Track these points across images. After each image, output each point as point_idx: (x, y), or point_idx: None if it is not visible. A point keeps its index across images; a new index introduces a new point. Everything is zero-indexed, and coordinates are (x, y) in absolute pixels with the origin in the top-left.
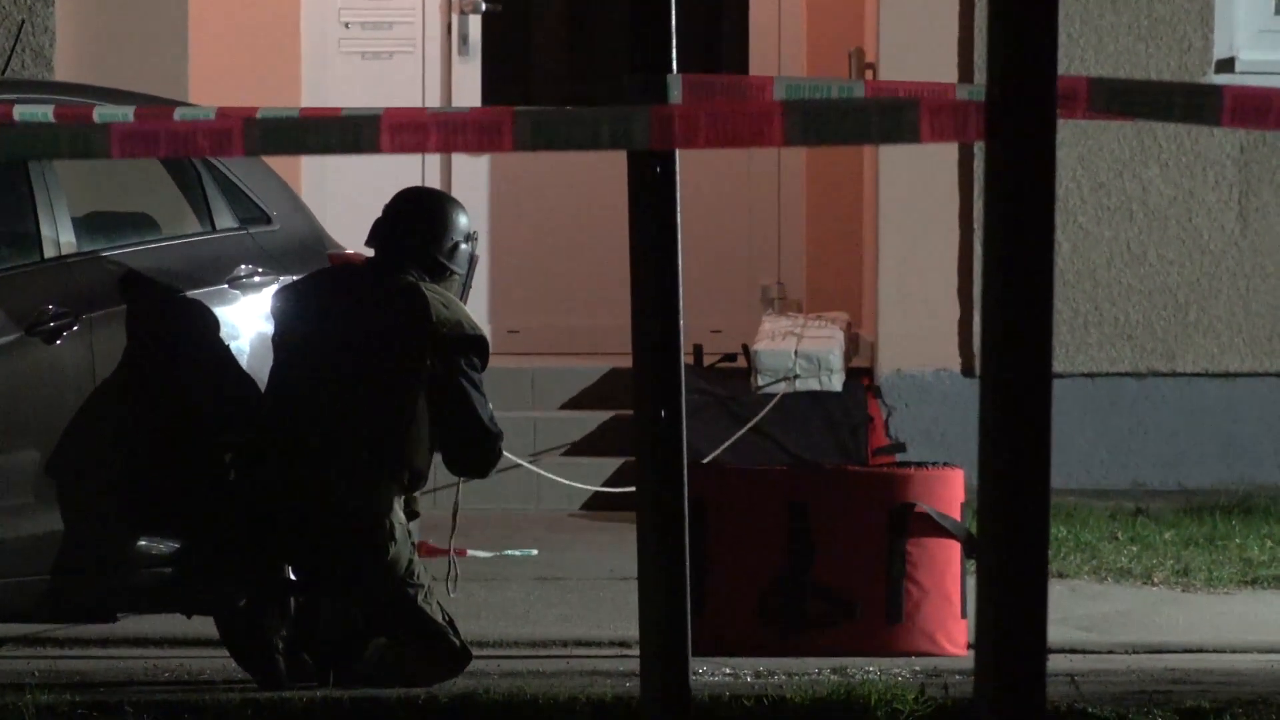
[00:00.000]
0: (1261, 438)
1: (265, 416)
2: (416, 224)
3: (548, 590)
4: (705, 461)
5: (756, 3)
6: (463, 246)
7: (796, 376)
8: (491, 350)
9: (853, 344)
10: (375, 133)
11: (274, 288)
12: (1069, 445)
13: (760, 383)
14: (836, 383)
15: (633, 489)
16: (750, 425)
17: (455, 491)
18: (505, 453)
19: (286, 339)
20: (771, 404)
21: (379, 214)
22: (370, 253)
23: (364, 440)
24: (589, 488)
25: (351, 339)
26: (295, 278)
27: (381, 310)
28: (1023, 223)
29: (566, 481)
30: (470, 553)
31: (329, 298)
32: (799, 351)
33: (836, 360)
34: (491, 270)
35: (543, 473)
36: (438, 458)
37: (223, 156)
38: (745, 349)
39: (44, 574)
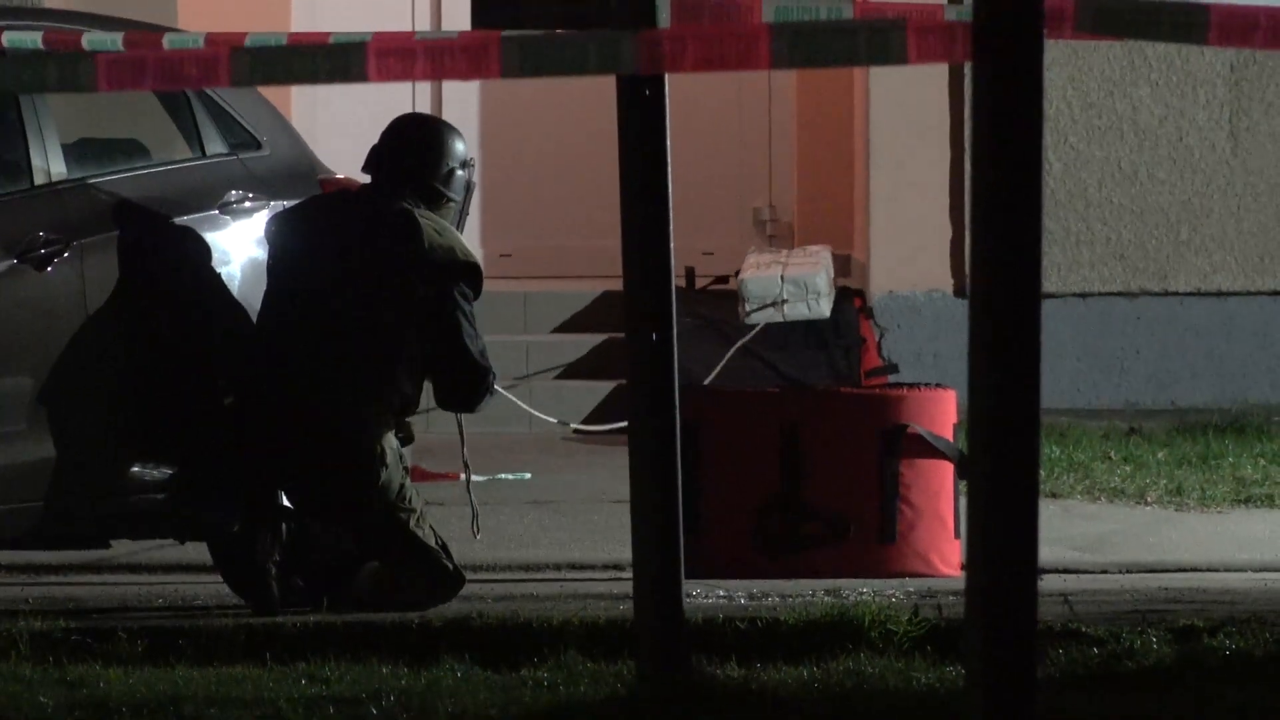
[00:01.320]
0: (1254, 356)
1: (257, 342)
2: (412, 150)
3: (541, 514)
4: (698, 384)
5: None
6: (459, 173)
7: (784, 302)
8: (484, 275)
9: (842, 267)
10: (363, 60)
11: (265, 213)
12: (1061, 365)
13: (748, 309)
14: (825, 307)
15: (622, 424)
16: (740, 344)
17: (459, 432)
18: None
19: (280, 264)
20: (760, 326)
21: (369, 139)
22: (364, 179)
23: (355, 365)
24: (574, 426)
25: (344, 264)
26: (286, 203)
27: (375, 236)
28: (1011, 143)
29: (544, 417)
30: (463, 476)
31: (323, 223)
32: (785, 277)
33: (824, 284)
34: (484, 194)
35: (533, 412)
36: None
37: (211, 87)
38: (738, 273)
39: (38, 501)
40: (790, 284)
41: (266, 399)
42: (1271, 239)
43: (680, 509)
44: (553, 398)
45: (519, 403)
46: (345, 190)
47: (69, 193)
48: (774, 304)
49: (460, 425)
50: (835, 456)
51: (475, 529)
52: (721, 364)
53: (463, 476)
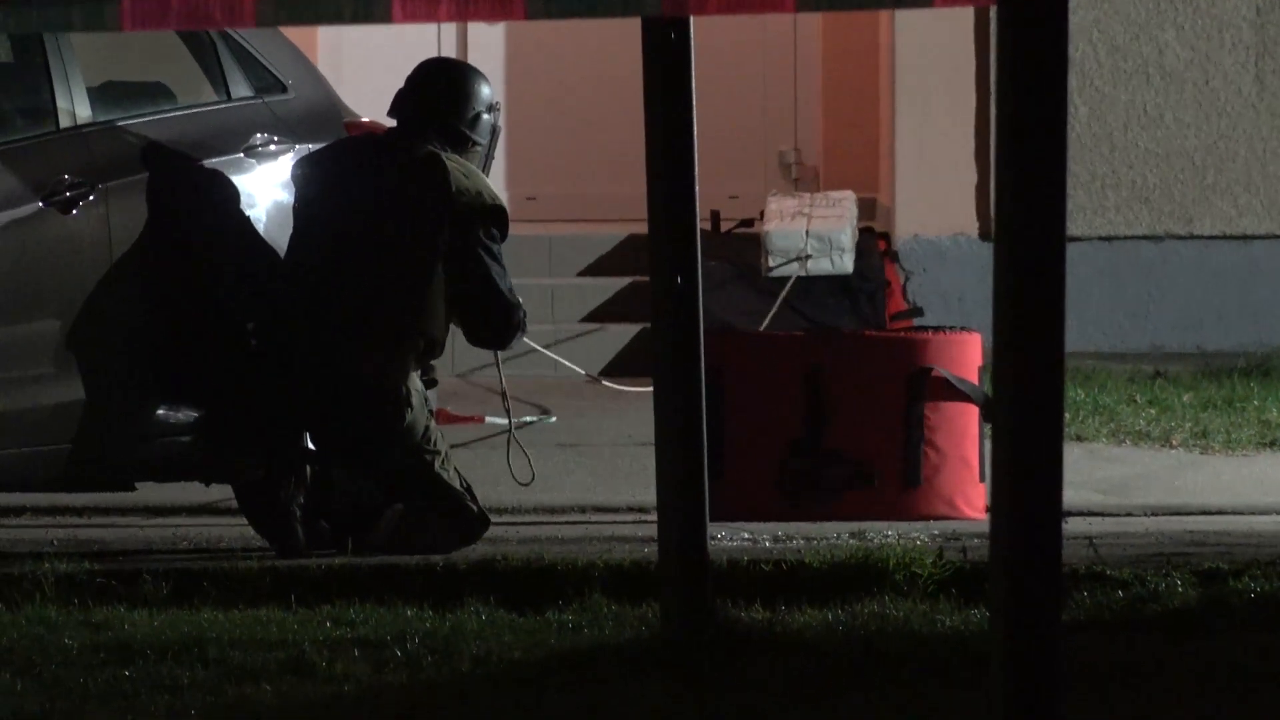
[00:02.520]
0: (1279, 300)
1: (284, 284)
2: (438, 94)
3: (566, 456)
4: (722, 328)
5: None
6: (485, 117)
7: (808, 257)
8: (509, 219)
9: (867, 211)
10: (387, 1)
11: (290, 156)
12: (1086, 308)
13: (772, 264)
14: (848, 263)
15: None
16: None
17: (499, 374)
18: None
19: (307, 207)
20: (792, 281)
21: (394, 83)
22: (390, 123)
23: (380, 308)
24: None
25: (371, 207)
26: (311, 146)
27: (402, 179)
28: (1036, 87)
29: (571, 366)
30: (488, 420)
31: (350, 166)
32: (810, 232)
33: (848, 240)
34: (509, 138)
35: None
36: (457, 329)
37: (236, 27)
38: (763, 215)
39: (64, 443)
40: (815, 239)
41: (292, 342)
42: None
43: (705, 452)
44: (577, 342)
45: (545, 352)
46: (372, 134)
47: (94, 136)
48: (798, 259)
49: (499, 369)
50: (860, 400)
51: (530, 473)
52: (769, 317)
53: (500, 420)
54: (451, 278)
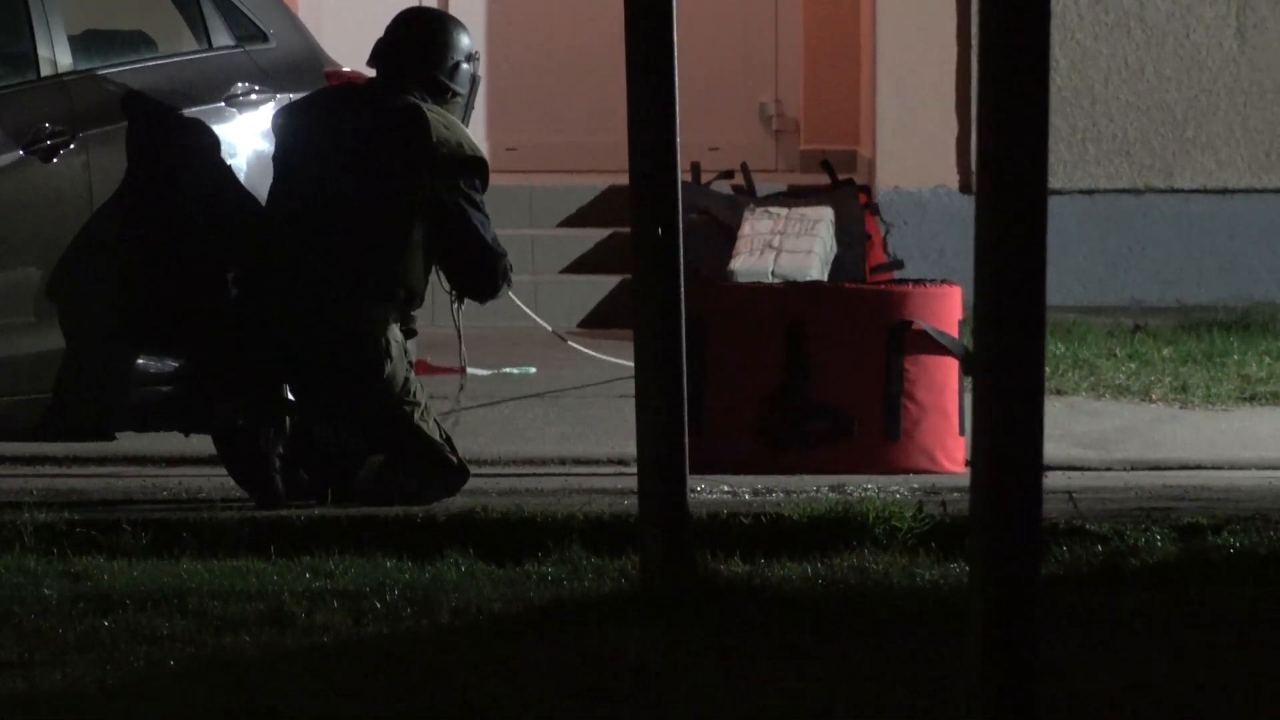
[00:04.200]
0: (1259, 254)
1: (264, 233)
2: (417, 44)
3: (546, 408)
4: (702, 279)
5: None
6: (464, 66)
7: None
8: (490, 169)
9: (848, 162)
10: None
11: (271, 106)
12: (1067, 262)
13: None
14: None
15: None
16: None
17: (455, 315)
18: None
19: (286, 157)
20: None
21: (374, 33)
22: (370, 72)
23: (360, 258)
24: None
25: (351, 157)
26: (292, 96)
27: (381, 129)
28: (1018, 39)
29: (541, 322)
30: (469, 370)
31: (330, 117)
32: (775, 272)
33: (816, 273)
34: (489, 87)
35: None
36: (436, 282)
37: None
38: (744, 167)
39: (44, 392)
40: (779, 278)
41: (272, 291)
42: (1278, 137)
43: (685, 404)
44: (558, 292)
45: (523, 306)
46: (352, 84)
47: (75, 84)
48: None
49: (458, 325)
50: (840, 352)
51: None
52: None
53: (482, 371)
54: (432, 229)
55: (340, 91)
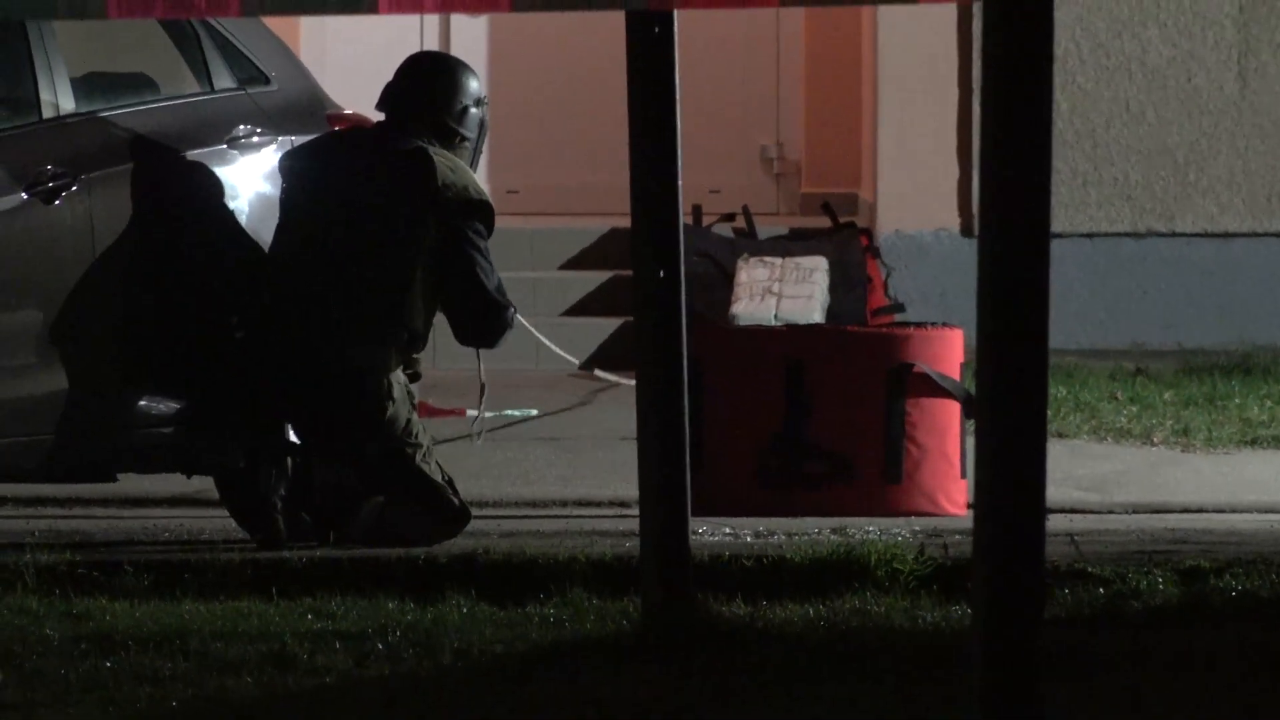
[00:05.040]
0: (1260, 298)
1: (267, 275)
2: (426, 88)
3: (547, 450)
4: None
5: None
6: (472, 111)
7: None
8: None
9: (849, 205)
10: None
11: (273, 148)
12: (1068, 305)
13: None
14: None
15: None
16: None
17: (477, 360)
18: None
19: (293, 199)
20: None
21: (376, 75)
22: (373, 115)
23: (365, 300)
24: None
25: (357, 200)
26: (294, 138)
27: (388, 173)
28: (1020, 83)
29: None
30: (470, 412)
31: (337, 159)
32: (779, 315)
33: (819, 317)
34: (492, 130)
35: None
36: (440, 322)
37: (220, 17)
38: (745, 209)
39: (46, 434)
40: (782, 321)
41: (276, 333)
42: (1279, 180)
43: (686, 447)
44: (559, 334)
45: (539, 335)
46: (360, 127)
47: (77, 126)
48: None
49: (479, 358)
50: (841, 395)
51: (478, 433)
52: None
53: (468, 411)
54: (437, 273)
55: (348, 135)
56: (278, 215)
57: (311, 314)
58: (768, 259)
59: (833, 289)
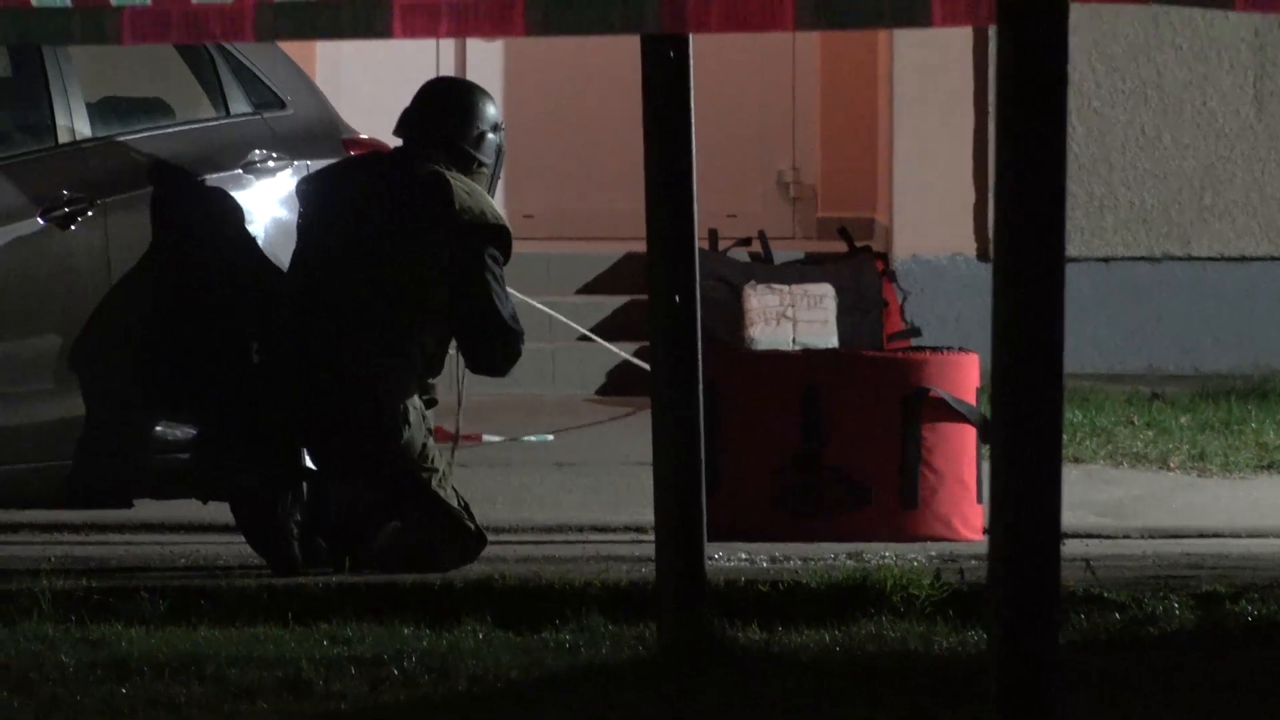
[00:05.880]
0: (1277, 322)
1: (283, 301)
2: (443, 113)
3: (563, 475)
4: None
5: None
6: (490, 136)
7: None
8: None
9: (865, 230)
10: (388, 16)
11: (288, 172)
12: (1084, 329)
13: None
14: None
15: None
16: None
17: (459, 387)
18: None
19: (311, 223)
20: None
21: (392, 99)
22: (389, 139)
23: (381, 325)
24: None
25: (375, 225)
26: (310, 163)
27: (406, 197)
28: (1035, 107)
29: (604, 342)
30: (485, 437)
31: (355, 184)
32: (796, 340)
33: (835, 341)
34: (507, 155)
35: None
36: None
37: (235, 41)
38: (761, 234)
39: (62, 459)
40: (800, 344)
41: (292, 357)
42: None
43: (703, 471)
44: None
45: (550, 311)
46: (378, 152)
47: (93, 151)
48: None
49: (460, 390)
50: (857, 420)
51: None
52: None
53: (484, 437)
54: (453, 298)
55: (366, 159)
56: (295, 240)
57: (328, 339)
58: (775, 286)
59: (848, 313)
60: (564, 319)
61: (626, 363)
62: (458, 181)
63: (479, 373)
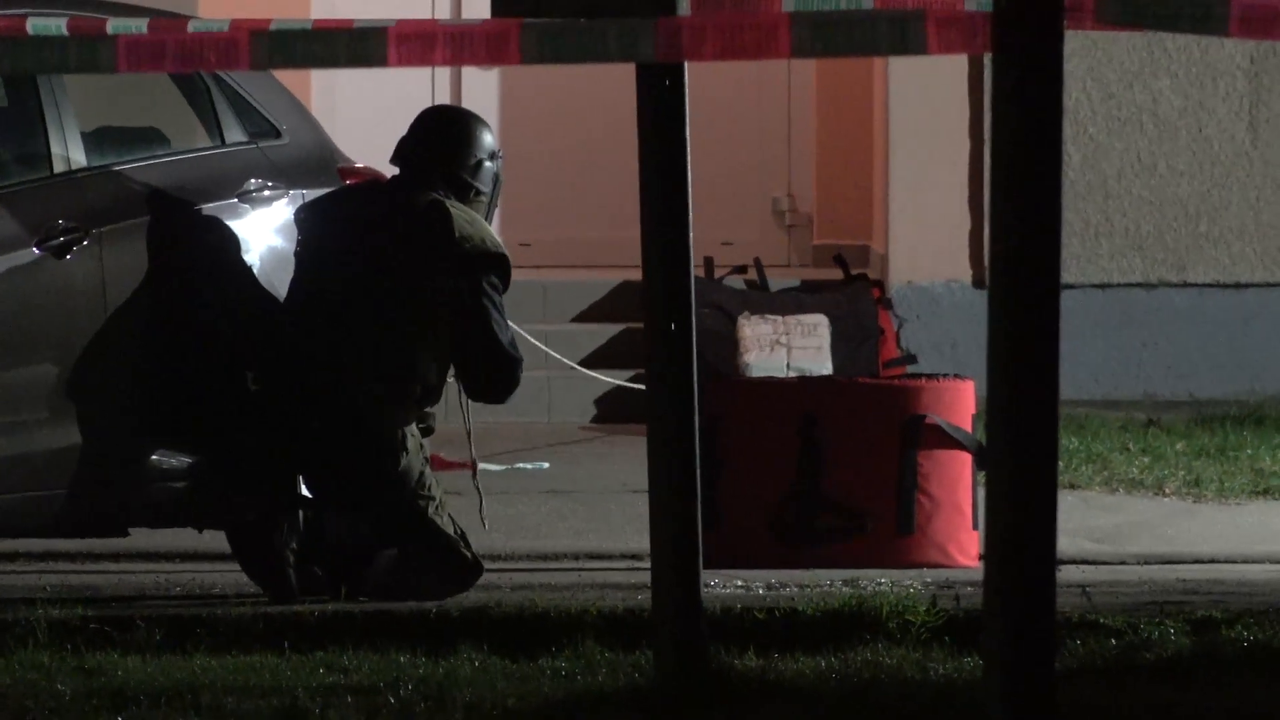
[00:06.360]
0: (1273, 348)
1: (280, 329)
2: (441, 142)
3: (559, 503)
4: (716, 374)
5: None
6: (487, 164)
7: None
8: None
9: (861, 257)
10: (383, 45)
11: (284, 202)
12: (1080, 356)
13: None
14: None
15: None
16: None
17: (465, 415)
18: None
19: (308, 252)
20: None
21: (388, 129)
22: (385, 168)
23: (379, 353)
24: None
25: (373, 252)
26: (305, 192)
27: (404, 224)
28: (1031, 135)
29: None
30: (481, 466)
31: (354, 212)
32: (791, 366)
33: (829, 369)
34: (504, 183)
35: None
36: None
37: (230, 70)
38: (757, 262)
39: (57, 489)
40: (795, 371)
41: (289, 386)
42: None
43: (699, 499)
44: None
45: (540, 345)
46: (377, 181)
47: (88, 181)
48: None
49: (466, 418)
50: (854, 447)
51: (482, 518)
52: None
53: (479, 466)
54: (452, 326)
55: (364, 188)
56: (291, 268)
57: (326, 367)
58: (769, 316)
59: (845, 341)
60: (554, 352)
61: (622, 391)
62: (458, 210)
63: (478, 400)
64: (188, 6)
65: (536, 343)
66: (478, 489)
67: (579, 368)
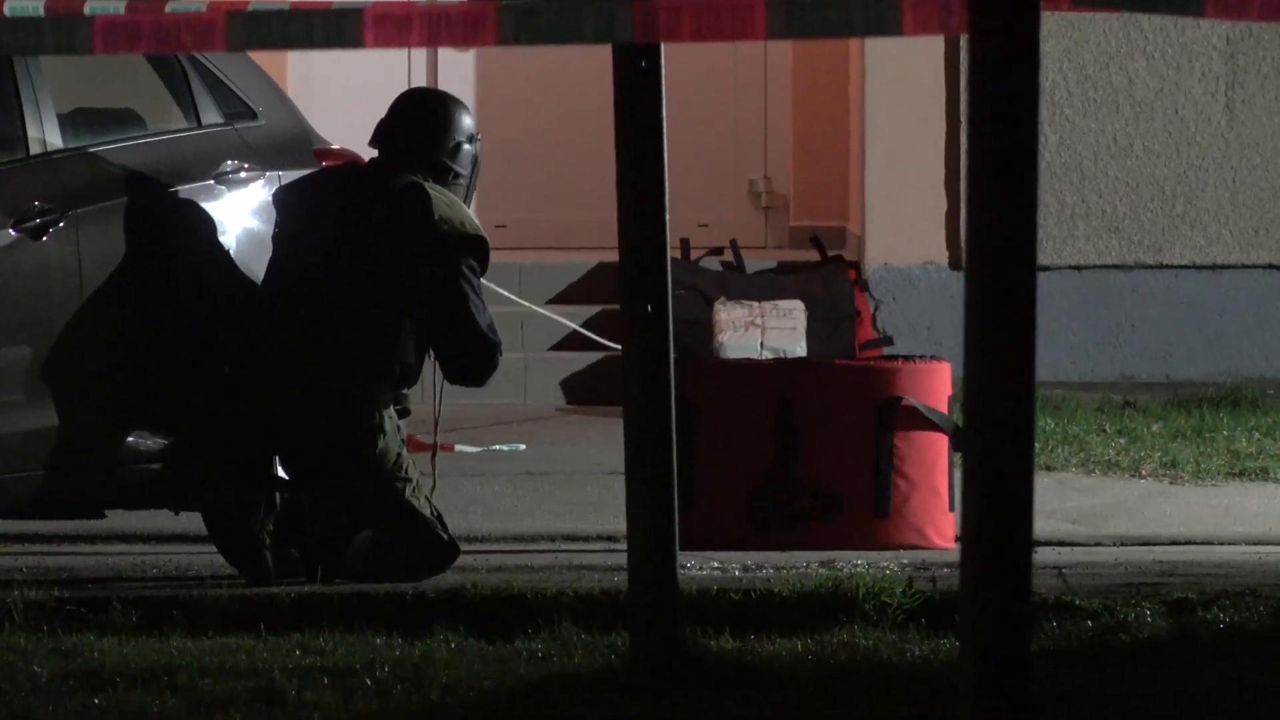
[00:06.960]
0: (1248, 330)
1: (258, 310)
2: (419, 124)
3: (535, 485)
4: (692, 356)
5: None
6: (465, 147)
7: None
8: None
9: (837, 239)
10: (358, 26)
11: (260, 183)
12: (1056, 338)
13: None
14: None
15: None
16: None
17: (436, 392)
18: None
19: (286, 234)
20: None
21: (364, 110)
22: (362, 149)
23: (357, 335)
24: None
25: (352, 235)
26: (282, 173)
27: (384, 208)
28: (1007, 116)
29: (555, 317)
30: (458, 448)
31: (332, 195)
32: (764, 344)
33: (802, 350)
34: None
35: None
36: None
37: (206, 52)
38: (733, 243)
39: (33, 470)
40: (769, 350)
41: (266, 367)
42: (1267, 212)
43: (675, 480)
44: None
45: (518, 299)
46: (355, 163)
47: (64, 162)
48: None
49: (438, 402)
50: (830, 429)
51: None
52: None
53: (456, 447)
54: (430, 309)
55: (342, 170)
56: (268, 250)
57: (303, 348)
58: (745, 302)
59: (821, 323)
60: (545, 311)
61: (599, 372)
62: (436, 193)
63: (456, 383)
64: None
65: (502, 289)
66: (433, 473)
67: (553, 314)
